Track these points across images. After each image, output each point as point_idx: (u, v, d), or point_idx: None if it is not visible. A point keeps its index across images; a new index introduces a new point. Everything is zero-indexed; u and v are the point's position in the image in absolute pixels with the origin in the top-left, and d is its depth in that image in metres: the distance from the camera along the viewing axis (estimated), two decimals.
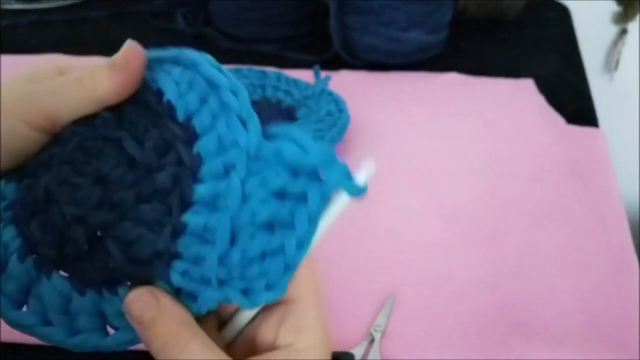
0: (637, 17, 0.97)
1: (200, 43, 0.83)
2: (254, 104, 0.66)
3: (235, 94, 0.24)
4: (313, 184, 0.23)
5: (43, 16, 0.90)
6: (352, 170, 0.24)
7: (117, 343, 0.25)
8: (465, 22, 0.86)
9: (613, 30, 1.00)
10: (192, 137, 0.25)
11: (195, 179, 0.24)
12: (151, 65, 0.26)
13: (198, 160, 0.24)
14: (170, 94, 0.25)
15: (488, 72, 0.76)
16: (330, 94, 0.65)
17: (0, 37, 0.84)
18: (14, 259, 0.24)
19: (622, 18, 0.98)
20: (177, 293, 0.24)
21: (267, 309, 0.26)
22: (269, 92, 0.67)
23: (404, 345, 0.44)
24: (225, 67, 0.26)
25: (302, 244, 0.23)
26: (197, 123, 0.25)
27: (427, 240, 0.53)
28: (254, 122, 0.24)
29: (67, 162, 0.25)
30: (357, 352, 0.43)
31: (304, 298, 0.25)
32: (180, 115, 0.25)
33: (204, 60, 0.26)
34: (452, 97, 0.71)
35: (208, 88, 0.25)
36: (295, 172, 0.23)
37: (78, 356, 0.43)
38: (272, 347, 0.25)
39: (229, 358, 0.24)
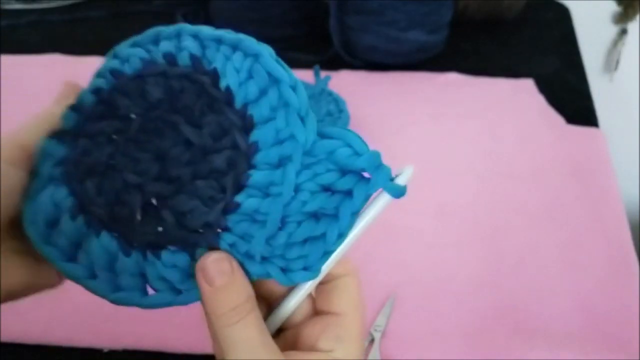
0: (637, 17, 0.97)
1: None
2: None
3: (294, 90, 0.26)
4: (359, 183, 0.26)
5: (43, 16, 0.90)
6: (394, 173, 0.26)
7: (156, 304, 0.26)
8: (465, 22, 0.86)
9: (613, 30, 1.00)
10: (248, 125, 0.26)
11: (250, 164, 0.26)
12: (205, 42, 0.27)
13: (254, 148, 0.26)
14: (230, 80, 0.26)
15: (488, 72, 0.76)
16: (330, 94, 0.65)
17: (0, 37, 0.84)
18: (66, 217, 0.26)
19: (622, 18, 0.98)
20: None
21: (314, 316, 0.28)
22: None
23: (404, 345, 0.44)
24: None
25: (342, 235, 0.26)
26: (255, 113, 0.26)
27: (427, 240, 0.53)
28: (312, 119, 0.26)
29: (131, 141, 0.26)
30: None
31: (350, 313, 0.27)
32: (238, 103, 0.26)
33: (266, 51, 0.26)
34: (452, 97, 0.71)
35: (268, 80, 0.26)
36: (344, 170, 0.26)
37: (77, 355, 0.43)
38: (312, 350, 0.27)
39: (274, 345, 0.25)
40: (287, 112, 0.26)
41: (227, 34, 0.27)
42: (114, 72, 0.28)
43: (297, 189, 0.25)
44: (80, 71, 0.85)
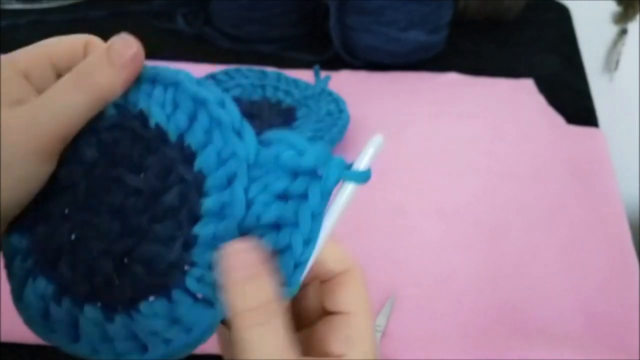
0: (637, 17, 0.97)
1: (200, 43, 0.83)
2: (254, 103, 0.66)
3: (223, 106, 0.25)
4: (312, 183, 0.24)
5: (43, 16, 0.90)
6: (355, 159, 0.25)
7: (155, 357, 0.25)
8: (465, 22, 0.86)
9: (613, 30, 1.00)
10: (188, 155, 0.25)
11: (201, 193, 0.25)
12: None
13: (201, 176, 0.25)
14: (158, 117, 0.26)
15: (488, 72, 0.76)
16: (330, 94, 0.65)
17: (0, 37, 0.84)
18: (52, 305, 0.26)
19: (622, 18, 0.98)
20: (195, 300, 0.25)
21: (323, 319, 0.27)
22: (269, 92, 0.67)
23: (404, 345, 0.44)
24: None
25: (309, 241, 0.24)
26: (191, 141, 0.25)
27: (427, 240, 0.53)
28: (248, 131, 0.25)
29: (83, 209, 0.26)
30: None
31: (358, 310, 0.26)
32: (172, 137, 0.25)
33: (184, 77, 0.26)
34: (452, 97, 0.71)
35: (194, 105, 0.25)
36: (294, 173, 0.25)
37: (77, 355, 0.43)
38: (324, 356, 0.26)
39: (298, 351, 0.24)
40: (221, 131, 0.25)
41: (144, 69, 0.26)
42: None
43: (250, 204, 0.24)
44: None
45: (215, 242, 0.25)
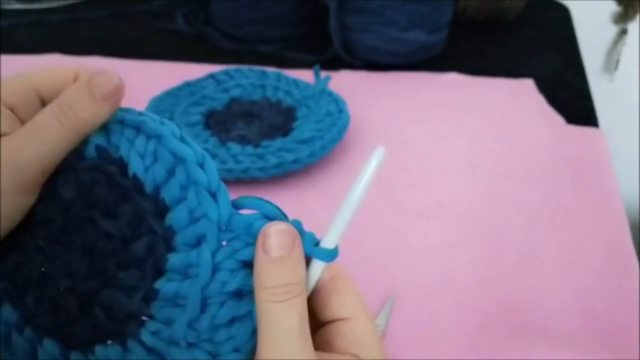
0: (637, 17, 0.97)
1: (200, 43, 0.83)
2: (254, 103, 0.66)
3: (202, 166, 0.25)
4: None
5: (43, 16, 0.91)
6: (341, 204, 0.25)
7: None
8: (465, 22, 0.86)
9: (613, 30, 1.00)
10: (162, 209, 0.26)
11: (169, 247, 0.25)
12: (109, 126, 0.26)
13: (171, 231, 0.25)
14: (136, 167, 0.26)
15: (488, 72, 0.76)
16: (330, 94, 0.65)
17: (0, 37, 0.84)
18: (14, 332, 0.26)
19: (622, 18, 0.98)
20: (149, 352, 0.25)
21: (320, 330, 0.27)
22: (269, 92, 0.67)
23: (404, 345, 0.44)
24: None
25: None
26: (166, 195, 0.25)
27: (427, 240, 0.53)
28: (224, 194, 0.25)
29: (57, 244, 0.27)
30: None
31: (357, 314, 0.26)
32: (148, 188, 0.26)
33: (168, 131, 0.26)
34: (452, 97, 0.71)
35: (174, 160, 0.25)
36: None
37: None
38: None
39: (310, 339, 0.24)
40: (197, 191, 0.25)
41: (130, 114, 0.26)
42: None
43: (216, 268, 0.25)
44: None
45: (176, 299, 0.25)
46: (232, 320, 0.25)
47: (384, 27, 0.72)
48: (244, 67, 0.70)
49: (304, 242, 0.25)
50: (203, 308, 0.25)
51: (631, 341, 0.44)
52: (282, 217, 0.25)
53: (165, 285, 0.25)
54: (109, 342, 0.26)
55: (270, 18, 0.81)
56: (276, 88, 0.68)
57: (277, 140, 0.59)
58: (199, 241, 0.25)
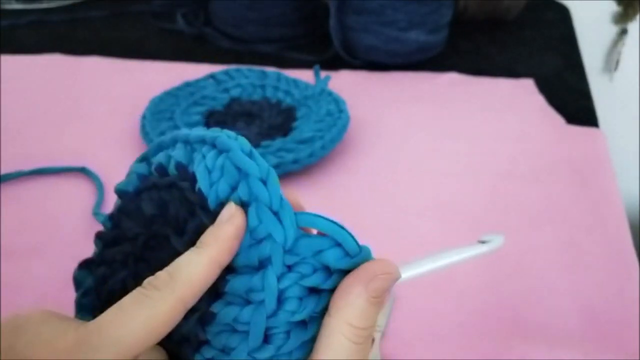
0: (637, 17, 0.97)
1: (200, 43, 0.83)
2: (254, 103, 0.66)
3: (265, 182, 0.24)
4: None
5: (43, 16, 0.91)
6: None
7: None
8: (465, 22, 0.86)
9: (613, 30, 1.00)
10: None
11: (229, 268, 0.24)
12: (193, 145, 0.26)
13: None
14: (201, 182, 0.25)
15: (488, 72, 0.76)
16: (330, 94, 0.65)
17: (0, 37, 0.84)
18: None
19: (622, 18, 0.98)
20: None
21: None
22: (269, 92, 0.67)
23: (404, 345, 0.44)
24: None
25: None
26: None
27: (427, 240, 0.53)
28: (288, 213, 0.23)
29: (141, 259, 0.26)
30: None
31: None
32: (212, 204, 0.25)
33: (237, 144, 0.25)
34: (452, 97, 0.71)
35: (238, 176, 0.24)
36: (334, 270, 0.24)
37: None
38: None
39: None
40: (257, 208, 0.23)
41: (211, 132, 0.26)
42: (120, 193, 0.28)
43: (282, 295, 0.23)
44: (80, 71, 0.85)
45: (237, 326, 0.23)
46: (297, 347, 0.23)
47: (384, 27, 0.72)
48: (244, 67, 0.70)
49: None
50: (267, 338, 0.23)
51: (631, 341, 0.44)
52: (355, 244, 0.24)
53: (223, 309, 0.23)
54: None
55: (270, 18, 0.81)
56: (276, 88, 0.68)
57: (277, 140, 0.59)
58: (262, 264, 0.23)
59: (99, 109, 0.68)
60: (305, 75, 0.71)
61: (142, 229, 0.27)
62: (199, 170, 0.25)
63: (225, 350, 0.23)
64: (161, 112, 0.63)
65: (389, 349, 0.44)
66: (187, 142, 0.26)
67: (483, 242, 0.24)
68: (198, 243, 0.24)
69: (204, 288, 0.23)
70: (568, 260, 0.50)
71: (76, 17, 0.91)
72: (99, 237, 0.28)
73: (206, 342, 0.24)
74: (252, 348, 0.23)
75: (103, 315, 0.22)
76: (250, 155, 0.24)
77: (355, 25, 0.74)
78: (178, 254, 0.24)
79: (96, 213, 0.53)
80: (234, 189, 0.24)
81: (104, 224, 0.28)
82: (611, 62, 1.02)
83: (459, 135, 0.65)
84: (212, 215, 0.24)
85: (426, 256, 0.24)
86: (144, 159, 0.28)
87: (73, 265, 0.29)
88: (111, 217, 0.28)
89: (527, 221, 0.54)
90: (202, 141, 0.26)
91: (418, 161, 0.61)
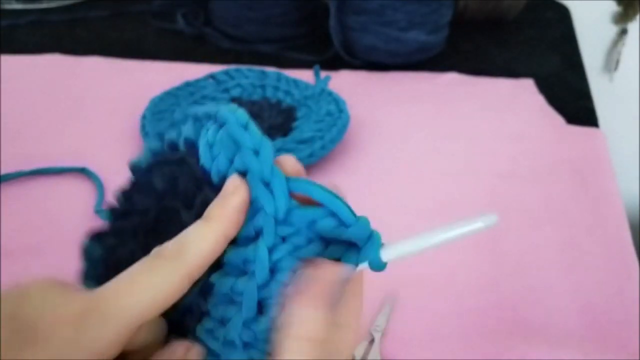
0: (637, 17, 0.97)
1: (200, 43, 0.83)
2: (254, 103, 0.66)
3: (257, 153, 0.24)
4: (348, 253, 0.23)
5: (43, 16, 0.90)
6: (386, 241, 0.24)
7: None
8: (465, 22, 0.86)
9: (613, 30, 1.00)
10: None
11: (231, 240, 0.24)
12: (201, 119, 0.26)
13: None
14: (203, 156, 0.25)
15: (488, 72, 0.76)
16: (330, 94, 0.65)
17: (0, 37, 0.84)
18: None
19: (622, 18, 0.98)
20: (206, 349, 0.24)
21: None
22: (269, 92, 0.67)
23: (404, 345, 0.44)
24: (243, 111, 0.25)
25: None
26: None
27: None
28: (279, 183, 0.23)
29: (151, 232, 0.27)
30: (357, 352, 0.43)
31: (348, 325, 0.25)
32: (215, 178, 0.25)
33: (234, 117, 0.25)
34: (452, 97, 0.71)
35: (234, 148, 0.24)
36: (327, 239, 0.23)
37: None
38: None
39: None
40: (250, 179, 0.23)
41: (216, 106, 0.26)
42: (133, 169, 0.29)
43: (275, 267, 0.23)
44: (80, 71, 0.85)
45: (232, 296, 0.23)
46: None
47: (384, 27, 0.72)
48: (244, 67, 0.70)
49: (371, 246, 0.23)
50: (261, 309, 0.23)
51: (631, 341, 0.44)
52: (351, 213, 0.23)
53: (220, 280, 0.23)
54: (173, 335, 0.25)
55: (270, 18, 0.81)
56: (276, 88, 0.68)
57: (277, 140, 0.59)
58: (257, 235, 0.23)
59: (99, 109, 0.68)
60: (305, 75, 0.71)
61: (153, 203, 0.27)
62: (201, 145, 0.25)
63: (223, 321, 0.23)
64: (161, 112, 0.63)
65: (389, 349, 0.44)
66: (196, 118, 0.27)
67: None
68: (205, 216, 0.23)
69: (211, 261, 0.23)
70: (568, 260, 0.50)
71: (76, 17, 0.91)
72: (109, 211, 0.28)
73: (206, 314, 0.24)
74: (247, 319, 0.23)
75: (110, 283, 0.22)
76: (245, 127, 0.24)
77: (355, 25, 0.74)
78: (186, 226, 0.25)
79: (98, 210, 0.53)
80: (231, 161, 0.24)
81: (117, 199, 0.29)
82: (611, 62, 1.02)
83: (459, 135, 0.65)
84: (216, 190, 0.24)
85: (418, 234, 0.24)
86: (159, 136, 0.29)
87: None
88: (123, 192, 0.29)
89: (527, 221, 0.54)
90: (209, 116, 0.26)
91: (418, 161, 0.61)
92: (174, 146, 0.27)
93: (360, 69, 0.76)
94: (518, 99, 0.71)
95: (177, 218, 0.26)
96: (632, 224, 0.54)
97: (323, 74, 0.72)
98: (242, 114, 0.25)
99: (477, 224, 0.23)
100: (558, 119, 0.67)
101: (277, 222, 0.23)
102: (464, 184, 0.58)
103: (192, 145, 0.26)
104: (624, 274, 0.49)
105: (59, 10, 0.93)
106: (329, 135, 0.59)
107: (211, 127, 0.25)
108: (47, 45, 0.82)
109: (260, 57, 0.79)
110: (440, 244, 0.23)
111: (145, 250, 0.25)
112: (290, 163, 0.25)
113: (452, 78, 0.74)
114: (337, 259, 0.23)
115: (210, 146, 0.25)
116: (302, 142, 0.58)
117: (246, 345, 0.23)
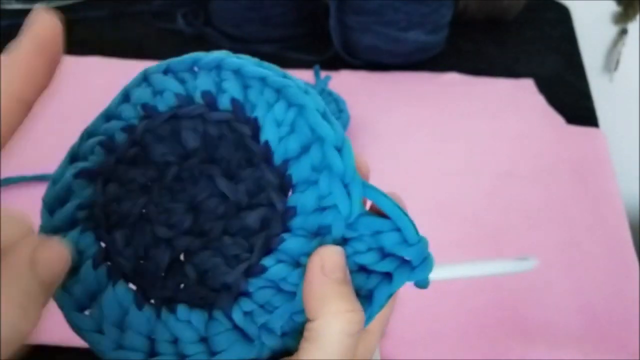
0: (637, 17, 0.97)
1: (200, 43, 0.83)
2: None
3: (340, 151, 0.23)
4: (401, 269, 0.23)
5: None
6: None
7: None
8: (465, 22, 0.86)
9: (613, 30, 1.00)
10: (286, 185, 0.24)
11: (286, 227, 0.23)
12: (247, 81, 0.24)
13: (292, 211, 0.23)
14: (269, 134, 0.24)
15: (488, 72, 0.76)
16: (330, 94, 0.65)
17: (0, 37, 0.84)
18: (88, 265, 0.23)
19: (622, 18, 0.97)
20: (234, 328, 0.23)
21: None
22: None
23: (404, 345, 0.44)
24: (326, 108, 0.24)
25: (371, 317, 0.23)
26: (294, 172, 0.23)
27: (427, 239, 0.53)
28: (358, 188, 0.23)
29: (167, 189, 0.25)
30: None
31: (375, 330, 0.25)
32: (277, 160, 0.24)
33: (311, 102, 0.23)
34: (452, 97, 0.71)
35: (311, 137, 0.23)
36: (385, 251, 0.23)
37: (76, 355, 0.43)
38: None
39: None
40: (330, 178, 0.23)
41: (273, 73, 0.24)
42: (147, 107, 0.25)
43: None
44: (80, 71, 0.85)
45: (284, 285, 0.23)
46: None
47: (384, 27, 0.72)
48: None
49: (425, 268, 0.24)
50: None
51: (631, 341, 0.44)
52: (416, 233, 0.23)
53: (275, 265, 0.23)
54: (191, 306, 0.23)
55: (270, 18, 0.81)
56: None
57: None
58: (320, 231, 0.23)
59: (99, 109, 0.68)
60: (305, 75, 0.71)
61: (176, 159, 0.25)
62: (267, 120, 0.23)
63: (266, 307, 0.23)
64: None
65: (389, 349, 0.44)
66: (238, 73, 0.24)
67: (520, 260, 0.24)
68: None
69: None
70: (568, 260, 0.50)
71: (76, 17, 0.91)
72: (103, 145, 0.25)
73: (247, 295, 0.23)
74: (296, 310, 0.23)
75: None
76: (324, 116, 0.23)
77: (355, 25, 0.74)
78: (223, 197, 0.24)
79: None
80: (305, 149, 0.23)
81: (111, 132, 0.25)
82: (611, 62, 1.02)
83: (459, 135, 0.65)
84: (276, 171, 0.23)
85: (460, 262, 0.24)
86: (171, 70, 0.25)
87: None
88: (127, 129, 0.25)
89: (527, 221, 0.54)
90: (263, 81, 0.24)
91: (418, 161, 0.61)
92: (211, 99, 0.24)
93: (360, 69, 0.76)
94: (518, 99, 0.71)
95: (207, 182, 0.24)
96: (632, 224, 0.54)
97: (323, 74, 0.72)
98: (317, 97, 0.24)
99: (518, 267, 0.23)
100: (558, 119, 0.67)
101: (346, 225, 0.23)
102: (464, 184, 0.58)
103: (240, 110, 0.24)
104: (624, 274, 0.49)
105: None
106: None
107: (277, 104, 0.23)
108: None
109: (260, 57, 0.78)
110: (478, 276, 0.24)
111: (158, 207, 0.24)
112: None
113: (452, 78, 0.74)
114: (389, 272, 0.23)
115: (278, 125, 0.23)
116: None
117: (284, 335, 0.23)
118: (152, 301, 0.24)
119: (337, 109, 0.63)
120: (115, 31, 0.88)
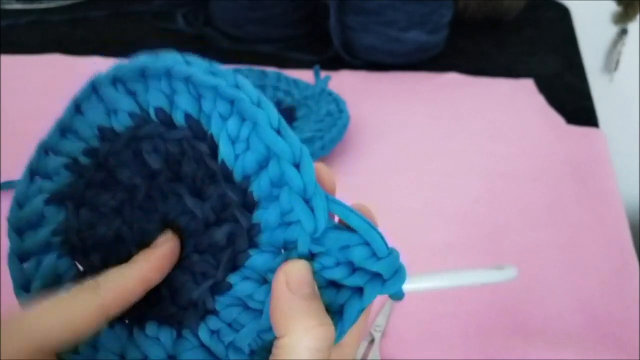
0: (637, 17, 0.97)
1: (200, 43, 0.83)
2: None
3: (298, 166, 0.22)
4: (372, 282, 0.23)
5: (43, 16, 0.90)
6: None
7: None
8: (465, 22, 0.86)
9: (613, 30, 1.00)
10: (250, 202, 0.23)
11: (252, 243, 0.23)
12: (200, 91, 0.23)
13: (257, 228, 0.23)
14: (225, 154, 0.23)
15: (488, 72, 0.76)
16: (330, 94, 0.65)
17: (0, 37, 0.84)
18: (67, 287, 0.24)
19: (622, 18, 0.98)
20: (202, 347, 0.23)
21: None
22: (269, 92, 0.67)
23: (404, 345, 0.44)
24: (266, 100, 0.23)
25: (343, 333, 0.23)
26: (255, 189, 0.23)
27: (427, 240, 0.53)
28: (321, 202, 0.22)
29: (139, 209, 0.25)
30: (357, 352, 0.43)
31: (350, 343, 0.25)
32: (237, 176, 0.23)
33: (264, 117, 0.22)
34: (452, 97, 0.71)
35: (267, 153, 0.23)
36: (358, 267, 0.23)
37: None
38: None
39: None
40: (290, 194, 0.22)
41: (224, 81, 0.23)
42: (103, 130, 0.25)
43: None
44: (80, 71, 0.85)
45: (250, 302, 0.23)
46: None
47: (384, 27, 0.72)
48: (244, 67, 0.70)
49: (397, 280, 0.23)
50: None
51: (631, 341, 0.44)
52: (385, 246, 0.23)
53: (240, 282, 0.23)
54: (160, 323, 0.24)
55: (270, 18, 0.81)
56: (276, 88, 0.68)
57: None
58: (286, 246, 0.23)
59: None
60: (305, 75, 0.71)
61: (143, 180, 0.25)
62: (222, 138, 0.23)
63: (233, 326, 0.23)
64: None
65: (389, 349, 0.44)
66: (188, 82, 0.23)
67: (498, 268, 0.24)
68: (132, 259, 0.24)
69: (128, 301, 0.23)
70: (568, 260, 0.50)
71: (76, 17, 0.91)
72: (69, 168, 0.25)
73: (214, 313, 0.23)
74: (263, 328, 0.22)
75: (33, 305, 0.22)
76: (279, 130, 0.23)
77: (355, 25, 0.74)
78: (191, 214, 0.24)
79: None
80: (262, 165, 0.23)
81: (73, 154, 0.25)
82: (611, 62, 1.02)
83: (459, 135, 0.65)
84: (238, 189, 0.23)
85: (437, 271, 0.24)
86: (119, 80, 0.25)
87: None
88: (94, 153, 0.25)
89: (527, 221, 0.54)
90: (215, 90, 0.23)
91: (418, 161, 0.61)
92: (165, 116, 0.24)
93: (360, 69, 0.76)
94: (518, 99, 0.71)
95: (175, 199, 0.24)
96: (632, 224, 0.54)
97: (323, 74, 0.72)
98: (271, 109, 0.23)
99: (496, 277, 0.23)
100: (558, 119, 0.67)
101: (312, 240, 0.23)
102: (463, 183, 0.58)
103: (196, 125, 0.24)
104: (624, 274, 0.49)
105: (59, 10, 0.93)
106: (329, 135, 0.58)
107: (231, 119, 0.23)
108: (47, 45, 0.82)
109: (260, 57, 0.79)
110: (456, 286, 0.24)
111: (132, 228, 0.25)
112: (328, 177, 0.25)
113: (452, 78, 0.74)
114: (360, 287, 0.23)
115: (233, 142, 0.23)
116: (302, 142, 0.58)
117: (252, 353, 0.23)
118: (126, 321, 0.24)
119: (337, 109, 0.63)
120: (115, 31, 0.88)
